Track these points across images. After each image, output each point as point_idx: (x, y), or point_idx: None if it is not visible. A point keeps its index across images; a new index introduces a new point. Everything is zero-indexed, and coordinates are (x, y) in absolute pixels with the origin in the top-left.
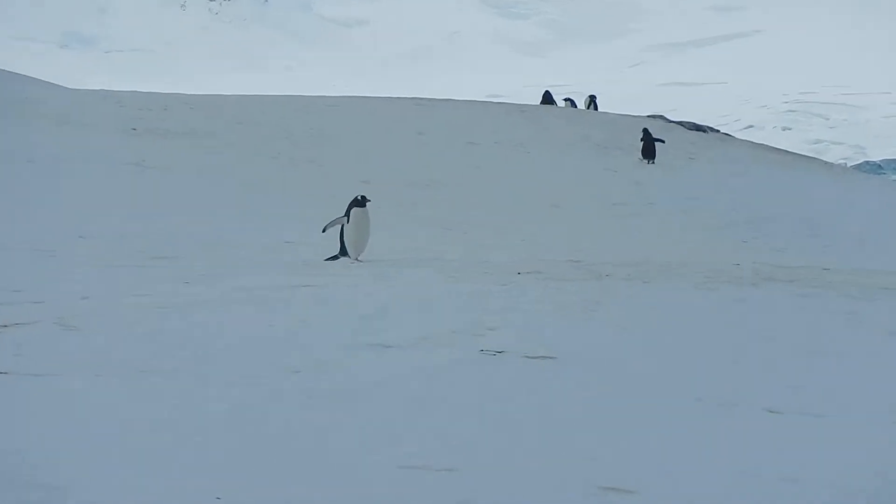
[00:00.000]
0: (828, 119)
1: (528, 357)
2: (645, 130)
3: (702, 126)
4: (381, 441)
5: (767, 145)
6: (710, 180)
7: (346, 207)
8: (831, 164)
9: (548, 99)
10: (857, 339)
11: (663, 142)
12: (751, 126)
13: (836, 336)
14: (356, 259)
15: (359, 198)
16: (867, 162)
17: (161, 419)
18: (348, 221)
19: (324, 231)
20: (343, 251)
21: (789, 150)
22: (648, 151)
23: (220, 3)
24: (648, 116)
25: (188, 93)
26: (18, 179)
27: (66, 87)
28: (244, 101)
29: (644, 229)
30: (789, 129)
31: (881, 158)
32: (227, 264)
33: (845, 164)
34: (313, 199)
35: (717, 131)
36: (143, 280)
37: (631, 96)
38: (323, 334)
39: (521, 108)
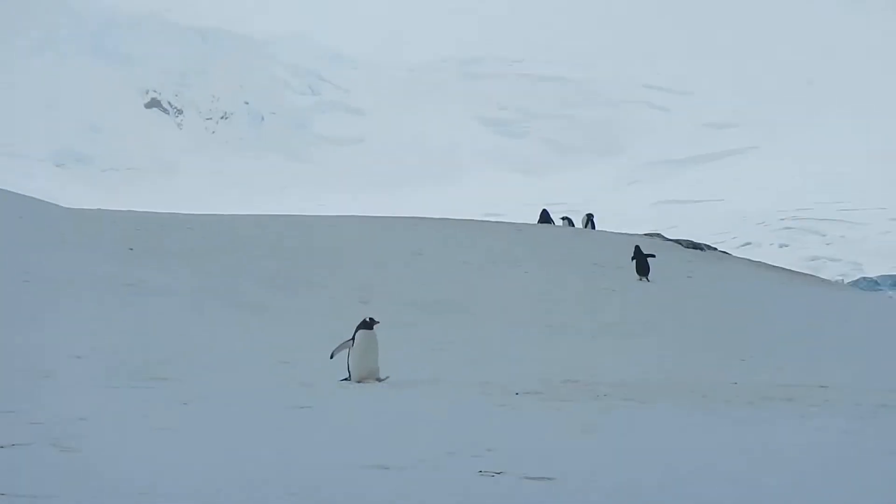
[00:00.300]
0: (825, 235)
1: (527, 478)
2: (636, 248)
3: (699, 244)
4: None
5: (765, 263)
6: (708, 298)
7: (353, 330)
8: (829, 281)
9: (545, 217)
10: (856, 458)
11: (654, 256)
12: (748, 243)
13: (834, 456)
14: (360, 381)
15: (367, 320)
16: (864, 278)
17: None
18: (353, 344)
19: (332, 357)
20: (349, 375)
21: (787, 267)
22: (642, 268)
23: (217, 122)
24: (645, 235)
25: (184, 212)
26: (14, 300)
27: (62, 206)
28: (241, 222)
29: (641, 348)
30: (786, 245)
31: (878, 274)
32: (224, 386)
33: (842, 280)
34: (311, 320)
35: (715, 249)
36: (140, 401)
37: (628, 214)
38: (321, 455)
39: (518, 227)
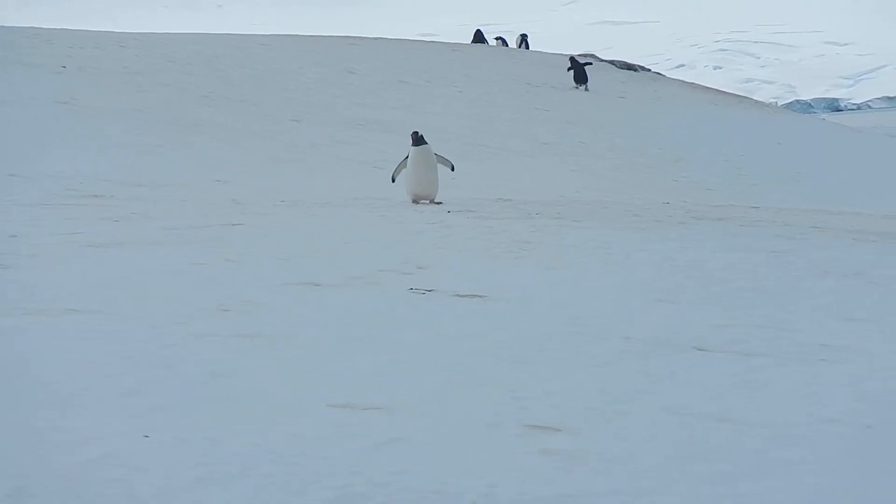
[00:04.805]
0: (759, 58)
1: (457, 295)
2: (571, 58)
3: (633, 65)
4: (310, 380)
5: (698, 84)
6: (641, 119)
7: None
8: (762, 104)
9: (479, 38)
10: (784, 278)
11: (591, 63)
12: (682, 65)
13: (764, 275)
14: (415, 200)
15: (415, 135)
16: (797, 101)
17: (90, 359)
18: (406, 163)
19: (393, 181)
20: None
21: (720, 89)
22: (580, 76)
23: None
24: (579, 55)
25: (119, 31)
26: None
27: None
28: (176, 40)
29: (574, 169)
30: (720, 67)
31: (811, 97)
32: (157, 203)
33: (776, 103)
34: (245, 139)
35: (648, 70)
36: (74, 219)
37: (562, 35)
38: (252, 273)
39: (453, 47)
